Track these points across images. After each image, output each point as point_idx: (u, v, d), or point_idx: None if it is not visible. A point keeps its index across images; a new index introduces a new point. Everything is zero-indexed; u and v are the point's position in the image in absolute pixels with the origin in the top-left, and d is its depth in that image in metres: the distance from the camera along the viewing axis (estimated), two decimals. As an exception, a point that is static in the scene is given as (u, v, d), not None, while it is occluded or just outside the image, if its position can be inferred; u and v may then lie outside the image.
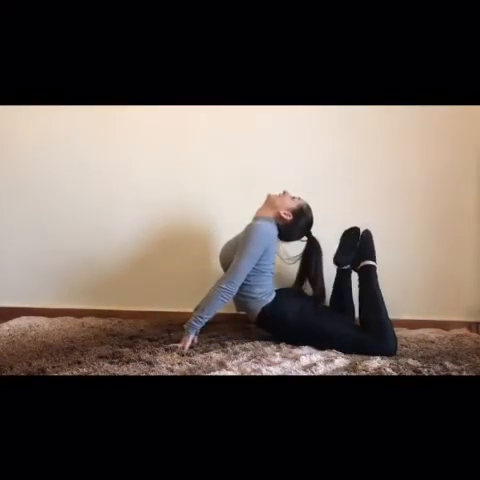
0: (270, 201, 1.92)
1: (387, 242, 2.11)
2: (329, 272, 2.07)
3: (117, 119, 2.44)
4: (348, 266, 2.04)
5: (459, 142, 2.30)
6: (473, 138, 2.29)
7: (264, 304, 1.83)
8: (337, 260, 2.03)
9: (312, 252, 1.94)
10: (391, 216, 2.12)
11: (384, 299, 1.81)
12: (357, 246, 1.98)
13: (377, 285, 1.84)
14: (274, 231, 1.87)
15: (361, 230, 2.04)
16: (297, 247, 2.00)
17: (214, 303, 1.73)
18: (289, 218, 1.89)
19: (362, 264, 1.92)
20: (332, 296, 2.10)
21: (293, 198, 1.93)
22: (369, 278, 1.87)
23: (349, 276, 2.07)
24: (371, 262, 1.91)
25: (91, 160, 2.47)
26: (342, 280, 2.07)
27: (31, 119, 2.47)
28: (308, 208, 1.94)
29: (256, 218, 1.90)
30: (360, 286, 1.89)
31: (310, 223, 1.95)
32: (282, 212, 1.88)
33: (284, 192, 1.93)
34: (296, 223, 1.90)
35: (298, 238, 1.97)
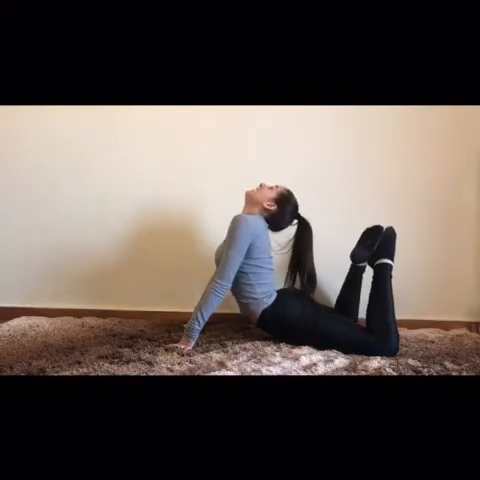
0: (249, 198, 1.91)
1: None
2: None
3: (117, 119, 2.44)
4: (363, 264, 2.02)
5: (459, 142, 2.30)
6: (473, 138, 2.29)
7: (265, 306, 1.82)
8: (353, 256, 2.00)
9: (303, 233, 1.94)
10: (391, 216, 2.12)
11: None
12: (376, 245, 1.92)
13: (390, 284, 1.83)
14: (259, 223, 1.84)
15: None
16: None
17: (210, 301, 1.72)
18: (274, 208, 1.88)
19: (378, 261, 1.89)
20: (340, 293, 2.09)
21: (271, 188, 1.91)
22: (383, 276, 1.85)
23: (361, 275, 2.05)
24: (388, 260, 1.87)
25: (91, 160, 2.46)
26: (353, 278, 2.05)
27: (31, 119, 2.47)
28: (289, 192, 1.92)
29: None
30: (373, 283, 1.87)
31: (296, 206, 1.94)
32: (265, 204, 1.87)
33: (260, 185, 1.92)
34: (282, 210, 1.89)
35: (289, 224, 1.95)
